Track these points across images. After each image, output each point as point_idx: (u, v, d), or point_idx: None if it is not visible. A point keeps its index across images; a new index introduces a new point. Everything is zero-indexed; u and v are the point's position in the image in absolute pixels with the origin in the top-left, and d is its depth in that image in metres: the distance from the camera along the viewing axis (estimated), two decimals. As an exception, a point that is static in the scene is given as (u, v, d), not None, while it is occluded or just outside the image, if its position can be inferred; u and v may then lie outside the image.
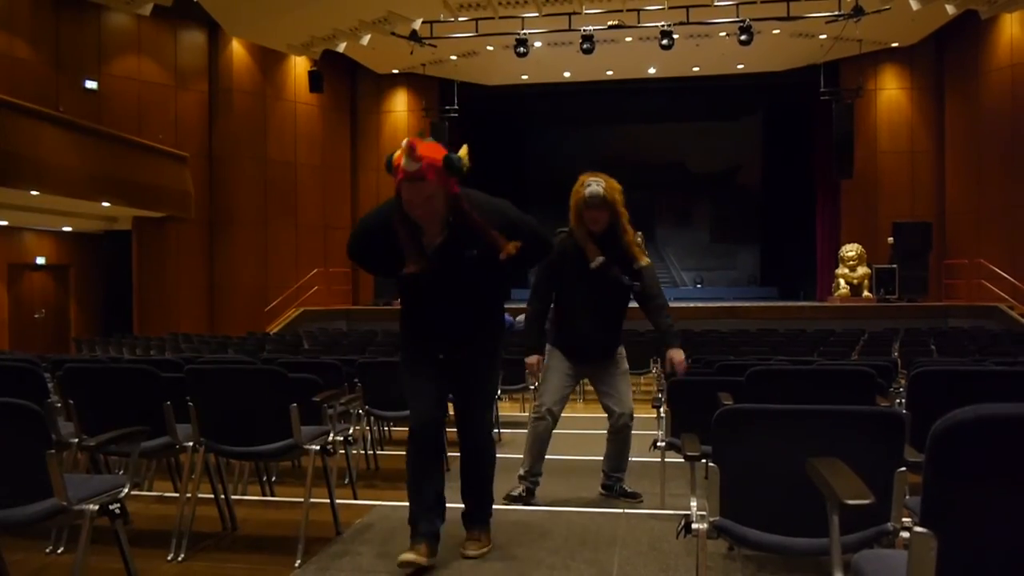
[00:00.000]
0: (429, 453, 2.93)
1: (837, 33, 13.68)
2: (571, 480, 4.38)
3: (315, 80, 15.38)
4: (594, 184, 3.70)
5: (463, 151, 2.71)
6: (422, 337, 2.96)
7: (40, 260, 13.24)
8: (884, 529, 1.92)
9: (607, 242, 3.74)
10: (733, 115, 19.63)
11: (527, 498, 3.87)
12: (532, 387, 4.17)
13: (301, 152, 16.36)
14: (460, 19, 13.54)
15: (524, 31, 13.58)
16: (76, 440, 3.37)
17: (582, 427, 6.31)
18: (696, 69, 16.26)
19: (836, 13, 12.74)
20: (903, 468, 1.93)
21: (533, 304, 4.01)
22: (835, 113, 15.08)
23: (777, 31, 13.74)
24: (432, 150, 2.66)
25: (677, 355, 3.85)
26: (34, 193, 10.41)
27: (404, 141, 2.63)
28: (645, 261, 3.89)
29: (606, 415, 3.98)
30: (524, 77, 16.57)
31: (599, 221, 3.70)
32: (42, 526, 2.51)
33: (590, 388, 9.59)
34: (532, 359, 3.96)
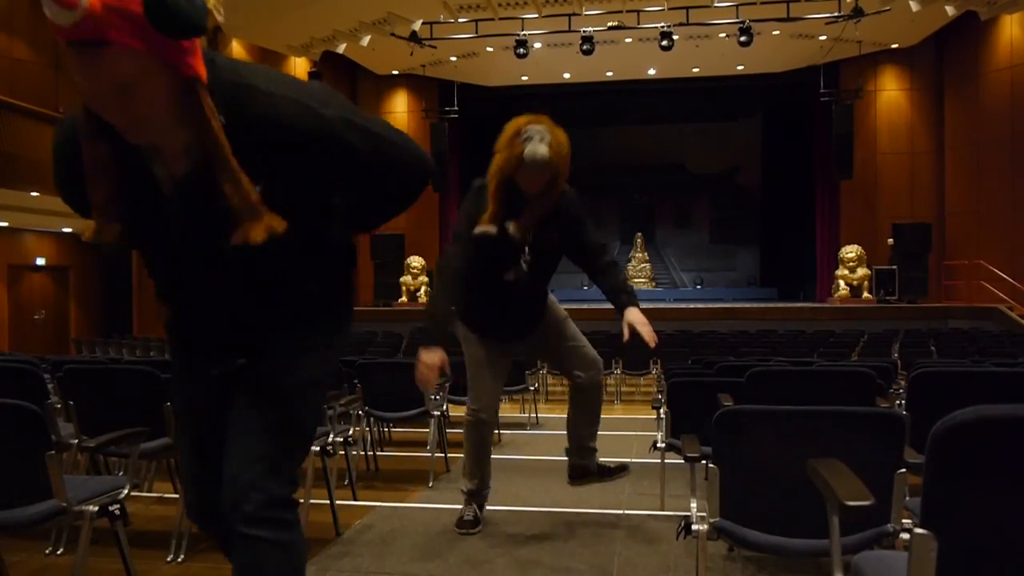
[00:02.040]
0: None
1: (837, 34, 13.69)
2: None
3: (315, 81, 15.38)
4: (536, 140, 2.77)
5: None
6: (182, 340, 1.69)
7: (40, 261, 13.24)
8: (884, 530, 1.92)
9: (535, 201, 2.90)
10: (733, 116, 19.66)
11: (475, 522, 3.25)
12: (434, 396, 2.97)
13: (301, 153, 16.35)
14: (460, 20, 13.55)
15: (524, 32, 13.59)
16: (76, 441, 3.36)
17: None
18: (696, 70, 16.28)
19: (836, 14, 12.75)
20: (903, 469, 1.93)
21: (453, 255, 2.95)
22: (835, 114, 15.09)
23: (777, 32, 13.75)
24: None
25: (636, 315, 2.95)
26: (34, 194, 10.41)
27: None
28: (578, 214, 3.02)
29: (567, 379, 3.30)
30: (524, 78, 16.58)
31: (536, 183, 2.85)
32: (42, 527, 2.50)
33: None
34: (431, 358, 2.71)
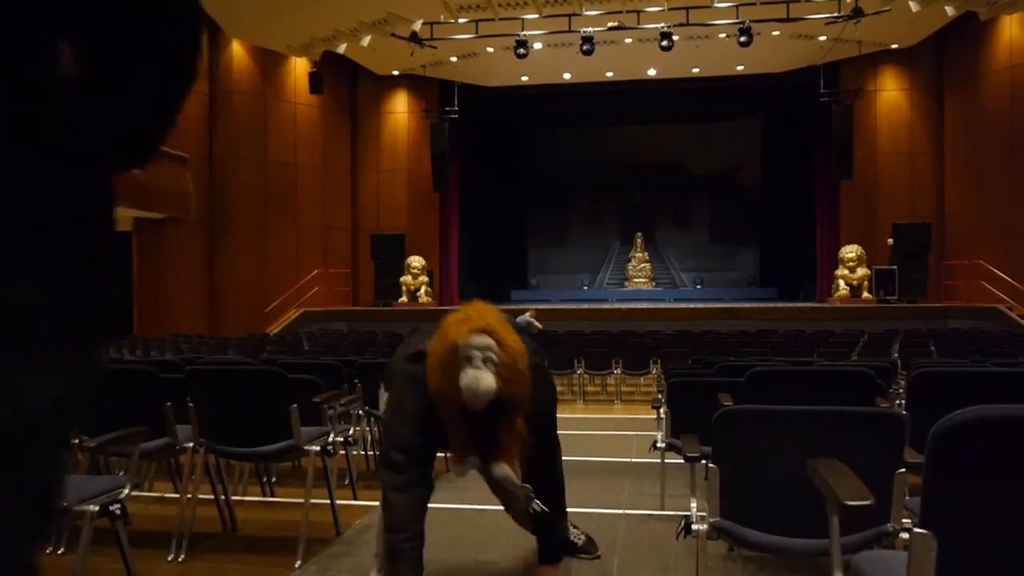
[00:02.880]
0: None
1: (837, 34, 13.69)
2: (569, 482, 4.38)
3: (315, 81, 15.39)
4: (478, 362, 2.03)
5: None
6: None
7: (40, 261, 13.24)
8: (884, 530, 1.92)
9: (501, 421, 2.18)
10: (733, 116, 19.67)
11: None
12: None
13: (301, 153, 16.37)
14: (460, 20, 13.55)
15: (524, 32, 13.59)
16: (76, 441, 3.36)
17: (582, 428, 6.31)
18: (696, 70, 16.28)
19: (836, 14, 12.75)
20: (903, 469, 1.93)
21: (400, 475, 2.16)
22: (835, 114, 15.09)
23: (777, 32, 13.75)
24: None
25: None
26: (34, 194, 10.41)
27: None
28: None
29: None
30: (524, 78, 16.58)
31: (482, 406, 2.09)
32: (42, 527, 2.50)
33: (591, 388, 9.54)
34: None
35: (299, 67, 16.07)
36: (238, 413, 3.24)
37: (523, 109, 18.95)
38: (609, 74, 16.49)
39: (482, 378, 2.00)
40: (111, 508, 2.32)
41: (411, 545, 2.08)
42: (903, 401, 3.37)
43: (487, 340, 2.04)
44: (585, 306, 15.23)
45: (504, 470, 2.18)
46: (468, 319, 2.09)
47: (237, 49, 15.34)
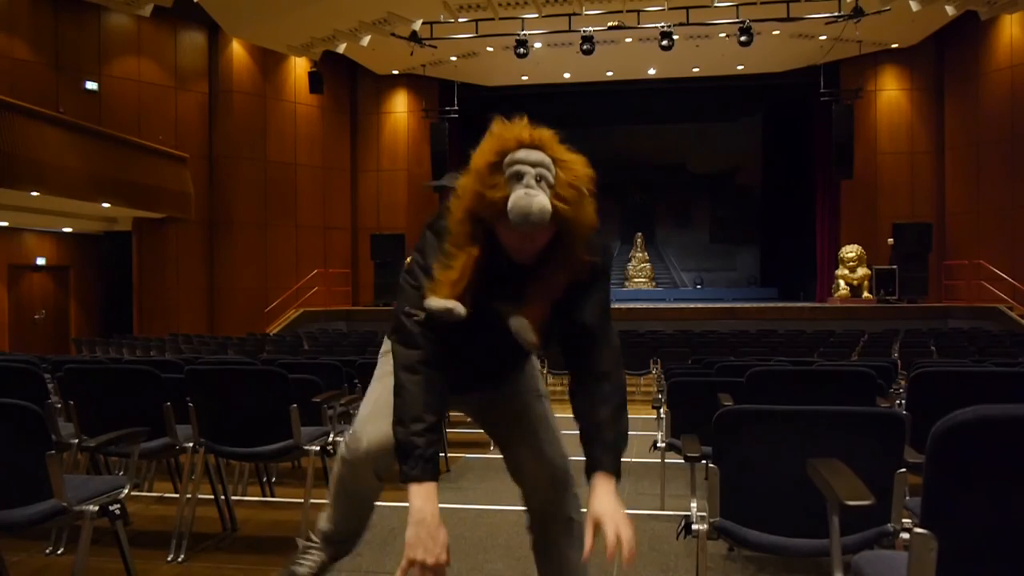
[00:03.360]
0: None
1: (837, 34, 13.69)
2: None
3: (315, 81, 15.39)
4: (532, 181, 1.54)
5: None
6: None
7: (40, 261, 13.23)
8: (884, 530, 1.92)
9: (544, 272, 1.66)
10: (733, 116, 19.66)
11: None
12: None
13: (301, 153, 16.37)
14: (460, 20, 13.54)
15: (524, 32, 13.59)
16: (76, 441, 3.36)
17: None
18: (696, 70, 16.28)
19: (836, 14, 12.75)
20: (903, 469, 1.93)
21: (415, 351, 1.66)
22: (835, 114, 15.09)
23: (777, 32, 13.75)
24: None
25: (611, 503, 1.72)
26: (34, 194, 10.42)
27: None
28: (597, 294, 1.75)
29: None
30: (524, 78, 16.58)
31: (524, 250, 1.63)
32: (42, 527, 2.50)
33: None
34: (435, 522, 1.57)
35: (299, 67, 16.07)
36: (238, 413, 3.24)
37: (523, 109, 18.60)
38: (609, 74, 16.49)
39: (535, 200, 1.48)
40: (111, 508, 2.32)
41: (427, 440, 1.58)
42: (903, 401, 3.37)
43: (542, 157, 1.57)
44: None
45: (521, 322, 1.62)
46: (514, 128, 1.63)
47: (237, 49, 15.34)
